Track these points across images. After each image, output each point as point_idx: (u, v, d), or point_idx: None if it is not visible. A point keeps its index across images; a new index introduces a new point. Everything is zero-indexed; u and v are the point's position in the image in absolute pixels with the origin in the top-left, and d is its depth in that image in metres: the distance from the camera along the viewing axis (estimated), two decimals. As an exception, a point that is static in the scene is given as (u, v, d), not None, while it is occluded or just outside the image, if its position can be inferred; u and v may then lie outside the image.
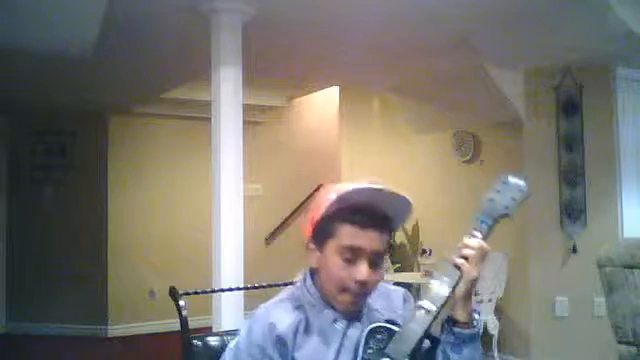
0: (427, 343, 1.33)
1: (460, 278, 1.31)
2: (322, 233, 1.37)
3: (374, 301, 1.41)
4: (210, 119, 3.27)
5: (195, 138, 5.95)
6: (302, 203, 6.67)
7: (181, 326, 1.72)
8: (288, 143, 6.89)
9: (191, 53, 3.97)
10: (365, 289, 1.35)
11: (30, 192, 6.34)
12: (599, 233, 4.39)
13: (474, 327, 1.33)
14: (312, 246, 1.40)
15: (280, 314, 1.35)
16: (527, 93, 4.56)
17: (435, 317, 1.28)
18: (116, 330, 6.08)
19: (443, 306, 1.29)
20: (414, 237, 5.33)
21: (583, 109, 4.52)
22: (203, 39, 3.31)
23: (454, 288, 1.30)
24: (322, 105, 6.78)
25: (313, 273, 1.41)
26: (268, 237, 6.75)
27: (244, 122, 3.29)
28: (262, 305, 1.39)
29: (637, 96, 4.64)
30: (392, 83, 5.25)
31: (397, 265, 5.29)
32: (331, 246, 1.35)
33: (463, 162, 5.14)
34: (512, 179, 1.35)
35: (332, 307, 1.36)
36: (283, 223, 6.74)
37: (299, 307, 1.37)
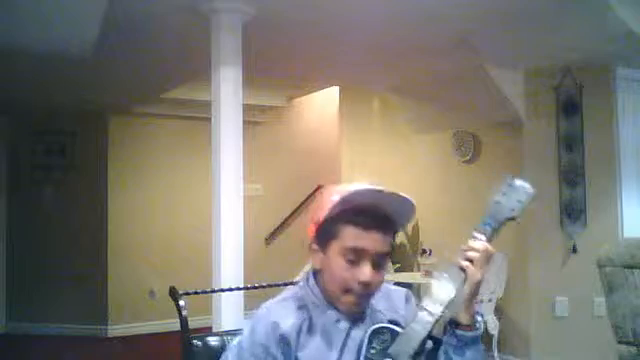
0: (429, 344, 1.33)
1: (464, 280, 1.31)
2: (325, 234, 1.37)
3: (377, 302, 1.42)
4: (210, 119, 3.27)
5: (195, 138, 5.95)
6: (302, 203, 6.68)
7: (181, 326, 1.72)
8: (288, 143, 6.89)
9: (191, 53, 3.98)
10: (368, 290, 1.35)
11: (30, 192, 6.34)
12: (599, 233, 4.39)
13: (477, 329, 1.33)
14: (315, 247, 1.40)
15: (283, 313, 1.35)
16: (527, 93, 4.56)
17: (438, 319, 1.29)
18: (116, 330, 6.08)
19: (447, 308, 1.29)
20: (414, 237, 5.34)
21: (583, 109, 4.52)
22: (203, 39, 3.31)
23: (458, 290, 1.30)
24: (322, 105, 6.77)
25: (316, 274, 1.41)
26: (268, 237, 6.75)
27: (244, 122, 3.29)
28: (264, 304, 1.39)
29: (637, 96, 4.64)
30: (392, 83, 5.25)
31: (397, 265, 5.29)
32: (334, 247, 1.35)
33: (463, 162, 5.14)
34: (518, 181, 1.35)
35: (335, 308, 1.36)
36: (283, 223, 6.75)
37: (302, 307, 1.37)
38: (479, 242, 1.32)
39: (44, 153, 6.31)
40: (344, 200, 1.33)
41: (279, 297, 1.42)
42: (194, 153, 6.04)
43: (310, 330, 1.34)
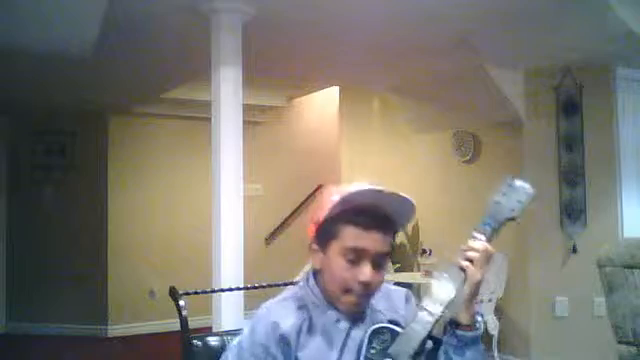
0: (429, 344, 1.33)
1: (464, 280, 1.31)
2: (325, 234, 1.37)
3: (377, 302, 1.42)
4: (210, 119, 3.27)
5: (195, 138, 5.95)
6: (302, 203, 6.68)
7: (181, 326, 1.72)
8: (288, 143, 6.89)
9: (191, 53, 3.98)
10: (368, 290, 1.35)
11: (30, 192, 6.34)
12: (599, 233, 4.39)
13: (477, 330, 1.33)
14: (315, 247, 1.40)
15: (284, 313, 1.35)
16: (527, 93, 4.56)
17: (438, 319, 1.29)
18: (116, 330, 6.08)
19: (447, 308, 1.29)
20: (414, 237, 5.34)
21: (583, 109, 4.52)
22: (203, 39, 3.31)
23: (458, 290, 1.30)
24: (322, 105, 6.78)
25: (316, 274, 1.41)
26: (268, 237, 6.75)
27: (244, 122, 3.29)
28: (264, 304, 1.39)
29: (637, 96, 4.64)
30: (392, 83, 5.25)
31: (397, 265, 5.29)
32: (334, 247, 1.35)
33: (463, 162, 5.14)
34: (518, 182, 1.35)
35: (335, 308, 1.36)
36: (283, 223, 6.75)
37: (302, 307, 1.37)
38: (479, 242, 1.32)
39: (44, 153, 6.31)
40: (344, 200, 1.33)
41: (279, 297, 1.42)
42: (194, 153, 6.04)
43: (310, 330, 1.34)
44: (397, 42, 4.03)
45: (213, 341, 1.62)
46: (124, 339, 5.98)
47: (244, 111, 3.30)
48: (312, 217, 1.42)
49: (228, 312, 3.09)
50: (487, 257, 1.32)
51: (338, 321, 1.36)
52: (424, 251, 5.05)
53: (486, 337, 4.37)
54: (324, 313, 1.36)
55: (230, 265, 3.16)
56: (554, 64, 4.46)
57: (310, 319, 1.36)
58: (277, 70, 4.98)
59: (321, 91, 6.33)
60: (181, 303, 1.76)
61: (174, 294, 1.78)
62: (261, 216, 6.19)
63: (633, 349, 2.95)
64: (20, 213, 6.33)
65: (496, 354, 4.49)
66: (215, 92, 3.24)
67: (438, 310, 1.28)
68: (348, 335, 1.35)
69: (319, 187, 6.51)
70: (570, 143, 4.52)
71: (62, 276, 6.07)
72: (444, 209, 5.10)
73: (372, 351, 1.31)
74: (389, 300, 1.45)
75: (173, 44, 3.97)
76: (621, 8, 3.40)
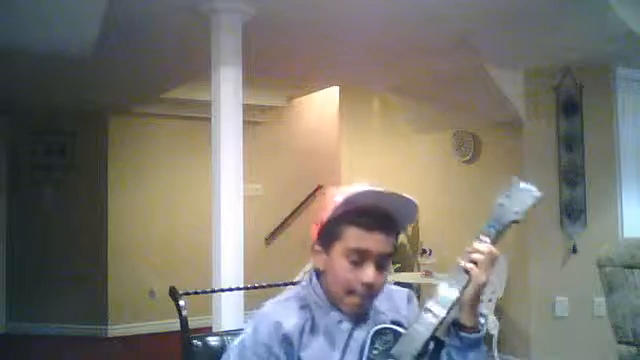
0: (432, 345, 1.33)
1: (468, 282, 1.31)
2: (328, 235, 1.37)
3: (380, 303, 1.42)
4: (210, 119, 3.27)
5: (195, 138, 5.95)
6: (302, 203, 6.68)
7: (181, 326, 1.72)
8: (288, 143, 6.89)
9: (191, 53, 3.98)
10: (372, 291, 1.35)
11: (30, 192, 6.34)
12: (599, 233, 4.39)
13: (480, 332, 1.34)
14: (318, 248, 1.40)
15: (286, 313, 1.35)
16: (527, 93, 4.56)
17: (442, 321, 1.29)
18: (116, 330, 6.08)
19: (450, 310, 1.29)
20: (414, 237, 5.33)
21: (583, 109, 4.52)
22: (203, 39, 3.31)
23: (462, 292, 1.30)
24: (322, 105, 6.78)
25: (319, 274, 1.41)
26: (268, 237, 6.75)
27: (244, 122, 3.29)
28: (267, 304, 1.39)
29: (637, 96, 4.64)
30: (392, 83, 5.25)
31: (397, 265, 5.29)
32: (337, 248, 1.35)
33: (463, 162, 5.14)
34: (523, 184, 1.35)
35: (338, 308, 1.36)
36: (283, 223, 6.75)
37: (305, 307, 1.37)
38: (484, 244, 1.32)
39: (44, 153, 6.31)
40: (347, 201, 1.33)
41: (281, 297, 1.42)
42: (194, 153, 6.04)
43: (313, 330, 1.34)
44: (397, 42, 4.03)
45: (213, 341, 1.62)
46: (124, 339, 5.98)
47: (244, 111, 3.30)
48: (315, 218, 1.42)
49: (228, 312, 3.09)
50: (492, 260, 1.32)
51: (341, 322, 1.36)
52: (424, 251, 5.05)
53: (486, 337, 4.36)
54: (327, 314, 1.36)
55: (230, 265, 3.16)
56: (554, 64, 4.46)
57: (313, 319, 1.36)
58: (277, 70, 4.98)
59: (321, 91, 6.33)
60: (181, 303, 1.76)
61: (174, 294, 1.78)
62: (261, 216, 6.19)
63: (633, 349, 2.96)
64: (20, 213, 6.33)
65: (496, 354, 4.49)
66: (215, 92, 3.24)
67: (442, 312, 1.28)
68: (350, 336, 1.35)
69: (319, 187, 6.52)
70: (570, 143, 4.52)
71: (62, 276, 6.07)
72: (444, 209, 5.10)
73: (374, 352, 1.30)
74: (391, 300, 1.45)
75: (173, 44, 3.97)
76: (621, 8, 3.40)
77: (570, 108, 4.52)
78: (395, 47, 4.14)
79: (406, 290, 1.51)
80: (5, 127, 6.35)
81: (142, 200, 6.24)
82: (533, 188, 1.34)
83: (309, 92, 6.48)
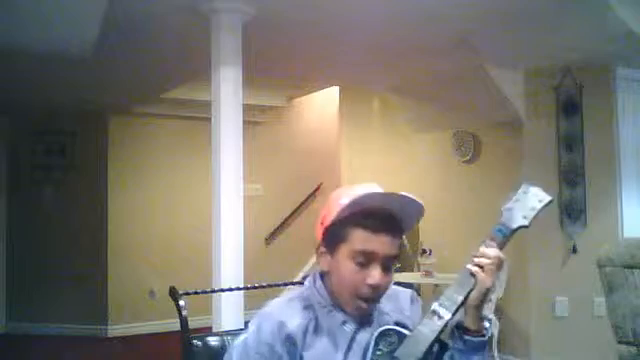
0: (436, 348, 1.33)
1: (474, 286, 1.31)
2: (334, 237, 1.37)
3: (384, 304, 1.41)
4: (210, 119, 3.27)
5: (195, 138, 5.95)
6: (302, 203, 6.68)
7: (181, 326, 1.72)
8: (288, 143, 6.89)
9: (191, 53, 3.97)
10: (377, 293, 1.35)
11: (30, 192, 6.33)
12: (599, 233, 4.39)
13: (484, 335, 1.33)
14: (323, 250, 1.40)
15: (290, 313, 1.35)
16: (527, 93, 4.56)
17: (446, 323, 1.29)
18: (116, 330, 6.08)
19: (455, 313, 1.29)
20: (414, 237, 5.33)
21: (583, 109, 4.52)
22: (203, 39, 3.31)
23: (467, 296, 1.30)
24: (322, 105, 6.78)
25: (323, 276, 1.41)
26: (268, 237, 6.75)
27: (244, 122, 3.29)
28: (270, 303, 1.39)
29: (637, 96, 4.64)
30: (392, 83, 5.25)
31: (397, 265, 5.28)
32: (343, 250, 1.35)
33: (463, 162, 5.14)
34: (533, 189, 1.34)
35: (342, 310, 1.36)
36: (283, 223, 6.74)
37: (308, 307, 1.37)
38: (491, 249, 1.32)
39: (44, 153, 6.31)
40: (354, 203, 1.32)
41: (285, 297, 1.41)
42: (194, 153, 6.04)
43: (316, 331, 1.34)
44: (397, 42, 4.03)
45: (213, 341, 1.62)
46: (124, 339, 5.98)
47: (244, 111, 3.30)
48: (320, 220, 1.41)
49: (228, 312, 3.09)
50: (498, 264, 1.32)
51: (344, 323, 1.35)
52: (424, 251, 5.04)
53: (486, 337, 4.37)
54: (330, 314, 1.36)
55: (230, 265, 3.16)
56: (554, 64, 4.46)
57: (316, 319, 1.35)
58: (277, 70, 4.98)
59: (321, 91, 6.34)
60: (181, 303, 1.76)
61: (174, 294, 1.78)
62: (261, 216, 6.19)
63: (633, 349, 2.96)
64: (20, 213, 6.33)
65: (496, 354, 4.49)
66: (215, 92, 3.24)
67: (447, 314, 1.28)
68: (354, 337, 1.34)
69: (319, 187, 6.52)
70: (570, 143, 4.52)
71: (62, 276, 6.07)
72: (444, 209, 5.09)
73: (378, 353, 1.30)
74: (395, 301, 1.45)
75: (173, 44, 3.97)
76: (621, 8, 3.40)
77: (570, 108, 4.53)
78: (395, 47, 4.14)
79: (410, 291, 1.51)
80: (5, 127, 6.35)
81: (142, 200, 6.24)
82: (543, 193, 1.34)
83: (309, 92, 6.48)
